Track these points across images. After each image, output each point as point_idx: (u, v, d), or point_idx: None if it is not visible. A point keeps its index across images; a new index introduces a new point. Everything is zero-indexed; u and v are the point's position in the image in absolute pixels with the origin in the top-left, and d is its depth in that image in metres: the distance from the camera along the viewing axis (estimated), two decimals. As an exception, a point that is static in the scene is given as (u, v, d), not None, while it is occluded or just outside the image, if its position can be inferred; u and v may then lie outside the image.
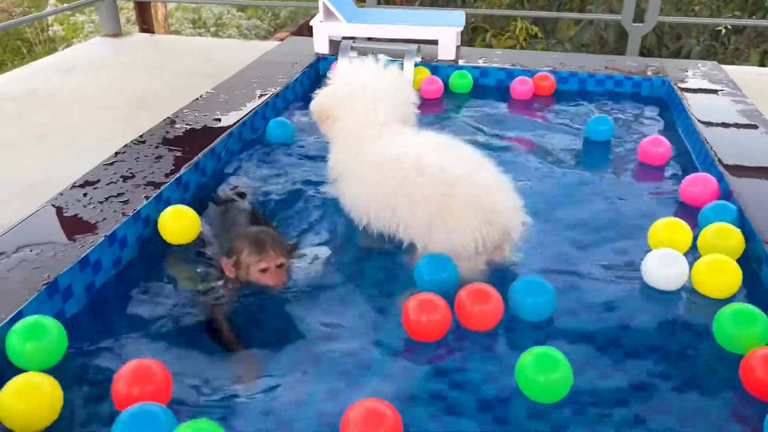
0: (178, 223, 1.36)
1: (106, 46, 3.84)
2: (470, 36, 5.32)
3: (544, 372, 0.97)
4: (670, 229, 1.32)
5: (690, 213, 1.46)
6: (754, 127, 1.80)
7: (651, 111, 2.13)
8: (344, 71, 1.51)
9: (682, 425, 0.97)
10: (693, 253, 1.32)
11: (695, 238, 1.34)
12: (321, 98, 1.48)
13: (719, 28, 5.23)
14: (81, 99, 3.10)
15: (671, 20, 3.83)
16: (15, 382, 0.95)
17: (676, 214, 1.47)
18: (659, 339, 1.14)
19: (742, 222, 1.36)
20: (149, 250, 1.36)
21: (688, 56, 5.12)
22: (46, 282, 1.12)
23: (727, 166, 1.54)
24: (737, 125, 1.79)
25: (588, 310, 1.21)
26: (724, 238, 1.31)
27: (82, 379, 1.05)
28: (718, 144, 1.67)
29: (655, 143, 1.73)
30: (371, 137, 1.41)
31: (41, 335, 1.01)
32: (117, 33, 3.95)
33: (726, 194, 1.47)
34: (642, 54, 4.71)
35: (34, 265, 1.17)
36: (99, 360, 1.08)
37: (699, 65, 2.35)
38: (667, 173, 1.71)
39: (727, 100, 2.00)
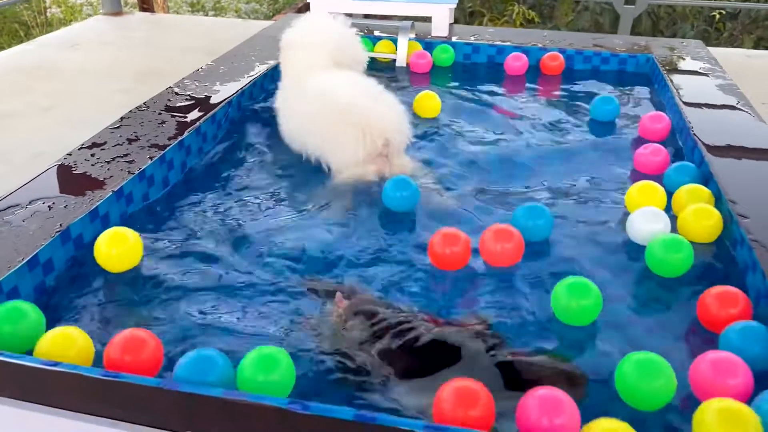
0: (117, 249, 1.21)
1: (107, 24, 3.90)
2: (467, 20, 5.39)
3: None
4: (644, 192, 1.41)
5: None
6: (731, 107, 1.88)
7: (636, 88, 2.20)
8: (311, 20, 1.85)
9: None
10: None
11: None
12: (286, 35, 1.82)
13: (714, 13, 5.31)
14: (85, 72, 3.16)
15: (662, 1, 3.89)
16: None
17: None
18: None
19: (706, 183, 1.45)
20: (153, 206, 1.45)
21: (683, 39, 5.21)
22: (59, 230, 1.21)
23: (707, 147, 1.61)
24: (715, 104, 1.86)
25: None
26: (697, 197, 1.40)
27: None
28: (696, 120, 1.75)
29: (656, 119, 1.79)
30: (307, 75, 1.70)
31: (18, 319, 1.02)
32: (117, 12, 4.01)
33: (705, 173, 1.56)
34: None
35: (47, 215, 1.25)
36: (99, 295, 1.18)
37: (683, 44, 2.42)
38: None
39: (707, 78, 2.08)
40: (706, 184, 1.44)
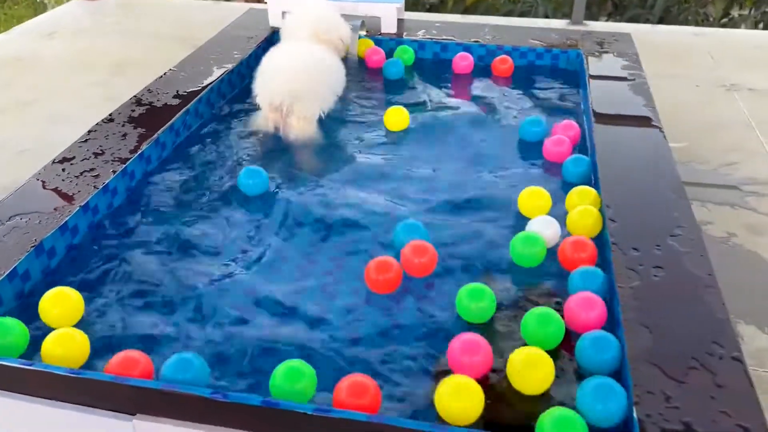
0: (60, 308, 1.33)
1: (82, 8, 4.04)
2: None
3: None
4: (533, 196, 1.66)
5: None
6: (635, 119, 2.09)
7: (565, 85, 2.41)
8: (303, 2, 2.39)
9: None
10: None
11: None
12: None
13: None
14: (63, 63, 3.34)
15: None
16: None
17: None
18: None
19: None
20: (116, 215, 1.68)
21: (653, 6, 5.35)
22: (33, 245, 1.44)
23: (600, 154, 1.84)
24: (620, 114, 2.04)
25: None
26: (585, 197, 1.65)
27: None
28: (599, 129, 1.97)
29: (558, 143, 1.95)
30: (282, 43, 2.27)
31: (6, 334, 1.24)
32: (93, -5, 4.15)
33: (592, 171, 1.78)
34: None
35: (23, 231, 1.48)
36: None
37: (613, 37, 2.61)
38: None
39: (620, 83, 2.27)
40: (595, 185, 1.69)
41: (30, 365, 1.15)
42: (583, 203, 1.64)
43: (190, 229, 1.65)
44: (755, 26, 5.66)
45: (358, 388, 1.14)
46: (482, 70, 2.51)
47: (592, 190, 1.67)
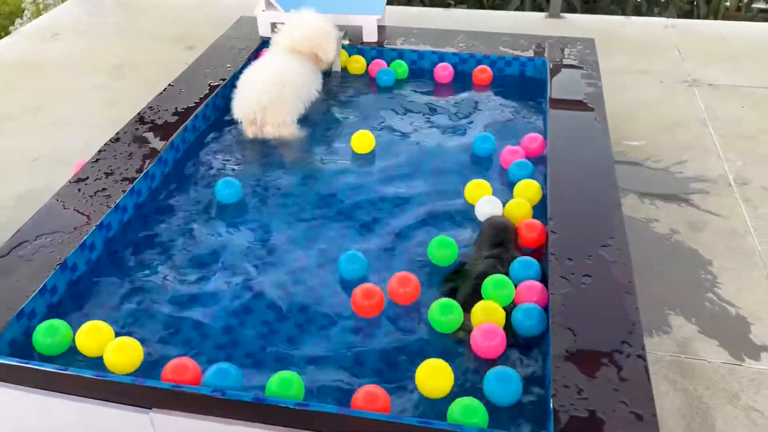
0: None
1: (81, 8, 4.22)
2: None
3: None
4: (478, 186, 2.03)
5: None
6: (590, 109, 2.32)
7: (532, 93, 2.63)
8: (296, 14, 2.57)
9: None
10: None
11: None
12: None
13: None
14: (65, 67, 3.55)
15: None
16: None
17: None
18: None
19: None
20: (127, 231, 1.93)
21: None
22: (58, 263, 1.69)
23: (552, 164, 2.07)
24: (575, 129, 2.27)
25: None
26: (528, 189, 2.00)
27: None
28: (554, 141, 2.20)
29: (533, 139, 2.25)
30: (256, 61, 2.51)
31: (54, 334, 1.54)
32: (90, -8, 4.31)
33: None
34: None
35: (49, 249, 1.74)
36: (93, 308, 1.68)
37: (577, 43, 2.82)
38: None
39: (582, 86, 2.49)
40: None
41: (64, 370, 1.41)
42: (525, 194, 2.00)
43: (189, 238, 1.90)
44: None
45: (371, 396, 1.40)
46: (462, 77, 2.74)
47: (536, 183, 2.02)
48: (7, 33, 6.02)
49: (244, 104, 2.32)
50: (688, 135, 2.81)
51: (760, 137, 2.78)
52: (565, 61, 2.66)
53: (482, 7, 6.06)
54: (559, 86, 2.47)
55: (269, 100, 2.28)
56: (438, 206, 2.03)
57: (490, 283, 1.65)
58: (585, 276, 1.63)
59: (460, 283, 1.73)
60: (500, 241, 1.81)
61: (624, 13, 5.85)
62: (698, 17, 5.99)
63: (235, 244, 1.90)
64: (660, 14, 5.81)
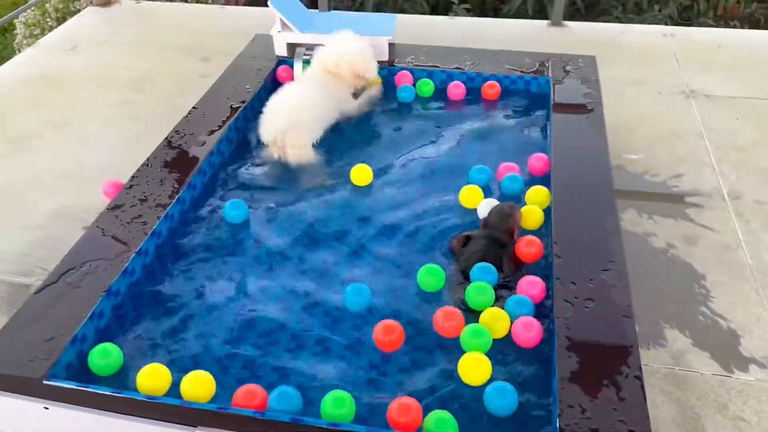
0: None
1: (98, 17, 4.34)
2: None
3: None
4: (471, 192, 2.27)
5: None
6: (592, 130, 2.46)
7: (536, 111, 2.77)
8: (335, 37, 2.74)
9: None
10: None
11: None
12: None
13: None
14: (86, 80, 3.69)
15: None
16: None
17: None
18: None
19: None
20: (162, 255, 2.09)
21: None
22: (104, 289, 1.85)
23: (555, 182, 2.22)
24: (576, 147, 2.41)
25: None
26: (538, 194, 2.21)
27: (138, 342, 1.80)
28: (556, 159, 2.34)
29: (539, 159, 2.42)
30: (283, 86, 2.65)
31: (108, 356, 1.71)
32: (107, 1, 4.43)
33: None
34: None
35: (95, 276, 1.89)
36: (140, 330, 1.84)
37: (579, 61, 2.95)
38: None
39: (584, 107, 2.63)
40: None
41: (119, 393, 1.58)
42: (536, 200, 2.22)
43: (218, 258, 2.06)
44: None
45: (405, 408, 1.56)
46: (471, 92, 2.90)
47: (545, 189, 2.24)
48: (12, 27, 6.13)
49: (268, 127, 2.49)
50: (684, 148, 2.95)
51: (753, 149, 2.93)
52: (567, 80, 2.79)
53: (484, 5, 6.19)
54: (562, 107, 2.61)
55: (290, 124, 2.43)
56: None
57: (473, 288, 1.87)
58: (587, 300, 1.79)
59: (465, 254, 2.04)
60: (506, 228, 2.06)
61: (625, 11, 5.97)
62: (698, 13, 6.11)
63: (270, 260, 2.07)
64: (660, 11, 5.93)
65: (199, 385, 1.63)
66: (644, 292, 2.22)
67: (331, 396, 1.59)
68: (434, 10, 6.29)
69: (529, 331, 1.75)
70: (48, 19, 5.04)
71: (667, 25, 5.95)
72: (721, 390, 1.93)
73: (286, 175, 2.47)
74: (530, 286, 1.89)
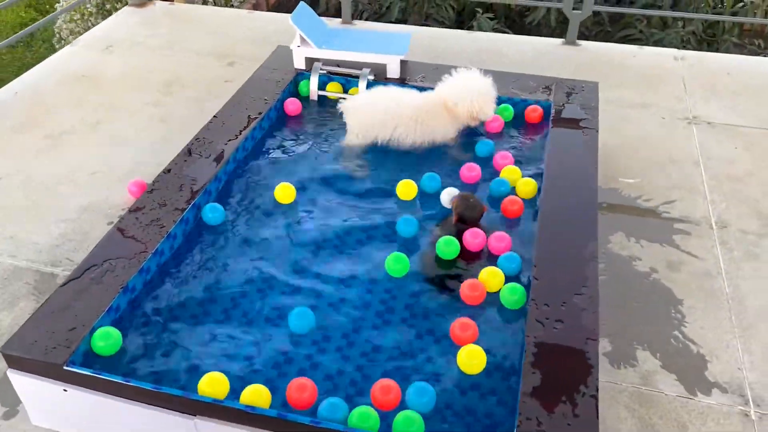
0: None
1: (134, 18, 4.57)
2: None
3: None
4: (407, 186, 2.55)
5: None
6: (584, 157, 2.60)
7: (536, 134, 2.91)
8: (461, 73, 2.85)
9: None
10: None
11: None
12: None
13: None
14: (121, 80, 3.92)
15: (605, 9, 4.43)
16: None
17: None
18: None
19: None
20: (178, 256, 2.29)
21: None
22: (122, 285, 2.06)
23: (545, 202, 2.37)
24: (569, 171, 2.56)
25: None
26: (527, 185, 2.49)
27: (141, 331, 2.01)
28: (549, 180, 2.49)
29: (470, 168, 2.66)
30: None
31: (108, 338, 1.92)
32: (143, 2, 4.66)
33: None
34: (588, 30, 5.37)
35: (115, 273, 2.10)
36: (152, 326, 2.05)
37: (582, 86, 3.08)
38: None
39: (579, 134, 2.77)
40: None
41: (128, 381, 1.78)
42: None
43: (225, 260, 2.26)
44: (765, 15, 5.95)
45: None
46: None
47: (533, 181, 2.56)
48: (53, 8, 6.40)
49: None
50: (680, 174, 3.07)
51: (746, 179, 3.03)
52: (568, 105, 2.93)
53: (508, 18, 6.30)
54: (559, 132, 2.75)
55: (355, 108, 2.80)
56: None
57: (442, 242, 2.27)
58: (557, 321, 1.94)
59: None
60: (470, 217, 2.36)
61: (649, 25, 6.03)
62: (723, 30, 6.13)
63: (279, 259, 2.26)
64: (684, 26, 5.97)
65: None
66: (623, 314, 2.37)
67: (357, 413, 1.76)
68: (459, 16, 6.43)
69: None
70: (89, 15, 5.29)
71: (689, 41, 6.03)
72: (683, 411, 2.07)
73: (297, 186, 2.65)
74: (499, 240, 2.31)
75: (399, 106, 2.76)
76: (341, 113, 2.85)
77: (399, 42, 3.17)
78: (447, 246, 2.27)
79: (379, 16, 6.31)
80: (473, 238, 2.30)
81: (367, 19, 6.12)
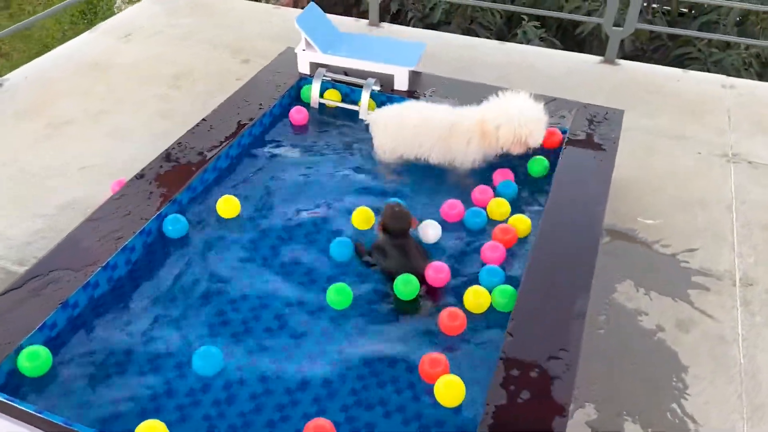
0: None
1: (158, 6, 4.47)
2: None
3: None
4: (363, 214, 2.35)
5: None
6: (593, 194, 2.34)
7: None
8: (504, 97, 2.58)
9: None
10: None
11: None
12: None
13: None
14: (133, 71, 3.82)
15: (648, 27, 4.10)
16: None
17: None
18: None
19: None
20: (135, 270, 2.15)
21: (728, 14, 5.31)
22: (61, 300, 1.92)
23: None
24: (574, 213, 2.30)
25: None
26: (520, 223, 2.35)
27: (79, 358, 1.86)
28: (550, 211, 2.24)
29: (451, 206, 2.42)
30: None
31: (36, 359, 1.78)
32: (167, -9, 4.55)
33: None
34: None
35: (58, 286, 1.96)
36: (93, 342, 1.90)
37: (606, 114, 2.79)
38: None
39: (592, 167, 2.49)
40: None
41: (40, 413, 1.64)
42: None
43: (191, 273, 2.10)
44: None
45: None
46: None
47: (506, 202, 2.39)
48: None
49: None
50: (707, 218, 2.76)
51: (784, 231, 2.70)
52: (585, 134, 2.66)
53: (559, 27, 5.96)
54: (568, 165, 2.49)
55: (384, 124, 2.62)
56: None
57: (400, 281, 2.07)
58: (524, 389, 1.70)
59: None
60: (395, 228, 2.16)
61: (709, 45, 5.61)
62: None
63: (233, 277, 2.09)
64: (747, 49, 5.52)
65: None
66: (617, 376, 2.11)
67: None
68: (509, 21, 6.14)
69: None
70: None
71: (751, 65, 5.58)
72: (667, 502, 1.81)
73: (271, 199, 2.47)
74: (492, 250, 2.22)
75: (429, 126, 2.55)
76: (367, 125, 2.67)
77: (410, 52, 2.95)
78: (405, 285, 2.06)
79: (423, 17, 6.09)
80: (436, 273, 2.11)
81: (410, 21, 5.90)
